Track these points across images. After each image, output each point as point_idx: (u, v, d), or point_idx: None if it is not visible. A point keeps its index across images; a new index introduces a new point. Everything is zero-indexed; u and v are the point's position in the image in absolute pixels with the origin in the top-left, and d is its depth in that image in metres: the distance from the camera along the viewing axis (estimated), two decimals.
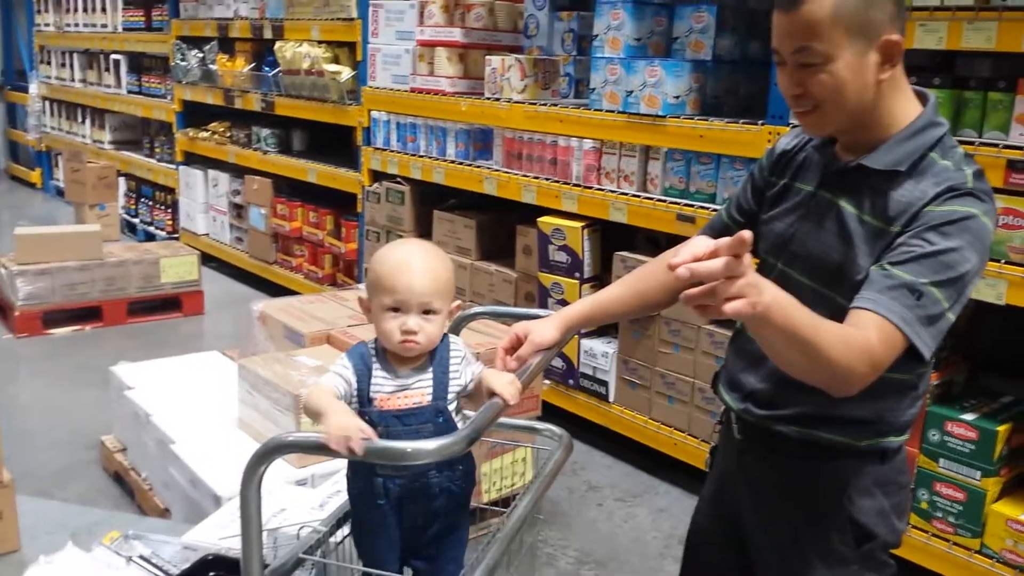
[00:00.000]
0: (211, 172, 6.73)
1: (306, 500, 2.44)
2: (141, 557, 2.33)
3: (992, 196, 1.46)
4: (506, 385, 1.56)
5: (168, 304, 5.68)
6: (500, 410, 1.54)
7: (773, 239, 1.64)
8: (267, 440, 1.44)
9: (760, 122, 3.15)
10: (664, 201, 3.49)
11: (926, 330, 1.38)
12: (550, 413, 3.69)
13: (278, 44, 5.60)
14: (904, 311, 1.36)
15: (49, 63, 9.51)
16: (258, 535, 1.47)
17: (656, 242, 3.79)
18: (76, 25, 8.55)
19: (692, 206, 3.38)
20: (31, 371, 4.79)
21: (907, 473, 1.66)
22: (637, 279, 1.83)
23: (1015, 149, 2.52)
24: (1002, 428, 2.68)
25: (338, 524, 1.76)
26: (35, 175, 10.14)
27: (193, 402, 3.28)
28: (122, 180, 7.86)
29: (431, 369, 1.65)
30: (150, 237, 7.48)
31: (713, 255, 1.19)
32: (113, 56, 8.09)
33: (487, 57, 4.20)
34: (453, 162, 4.43)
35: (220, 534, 2.33)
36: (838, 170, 1.55)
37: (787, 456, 1.62)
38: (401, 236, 4.79)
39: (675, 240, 2.70)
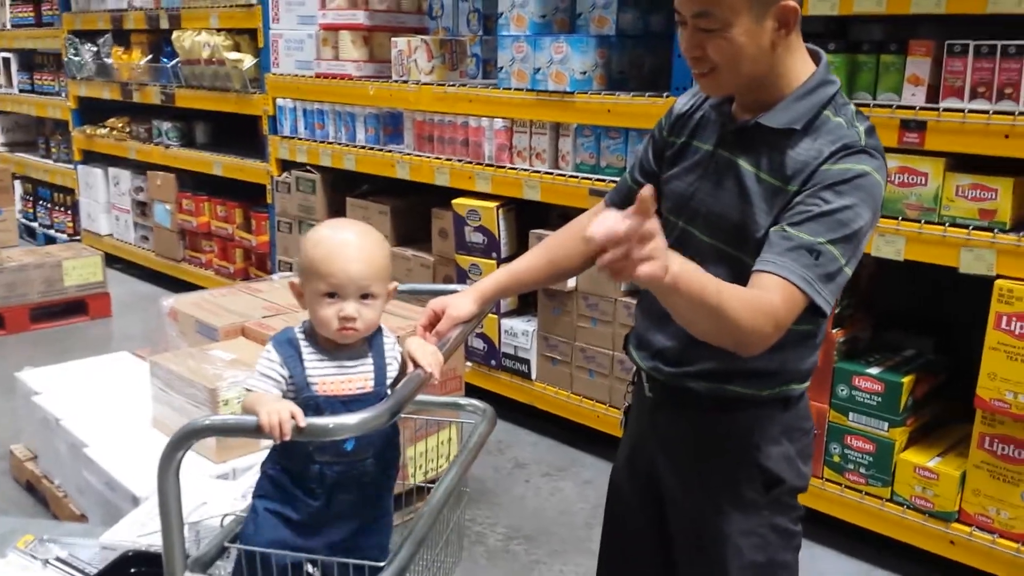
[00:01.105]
0: (112, 170, 6.50)
1: (228, 492, 2.39)
2: (58, 559, 2.26)
3: (883, 152, 1.51)
4: (428, 355, 1.56)
5: (73, 308, 5.48)
6: (422, 382, 1.53)
7: (675, 198, 1.66)
8: (184, 424, 1.41)
9: (665, 94, 3.19)
10: (576, 177, 3.52)
11: (826, 287, 1.43)
12: (474, 395, 3.68)
13: (176, 34, 5.43)
14: (804, 271, 1.41)
15: None
16: (178, 523, 1.44)
17: (570, 219, 3.81)
18: None
19: (604, 180, 3.41)
20: None
21: (810, 419, 1.72)
22: (548, 248, 1.86)
23: (907, 109, 2.62)
24: (906, 380, 2.79)
25: None
26: None
27: (104, 404, 3.18)
28: (18, 183, 7.53)
29: (371, 355, 1.62)
30: (51, 240, 7.19)
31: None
32: (2, 54, 7.77)
33: (392, 40, 4.15)
34: (364, 147, 4.38)
35: (139, 532, 2.27)
36: (735, 129, 1.58)
37: (697, 410, 1.65)
38: (313, 225, 4.72)
39: None
